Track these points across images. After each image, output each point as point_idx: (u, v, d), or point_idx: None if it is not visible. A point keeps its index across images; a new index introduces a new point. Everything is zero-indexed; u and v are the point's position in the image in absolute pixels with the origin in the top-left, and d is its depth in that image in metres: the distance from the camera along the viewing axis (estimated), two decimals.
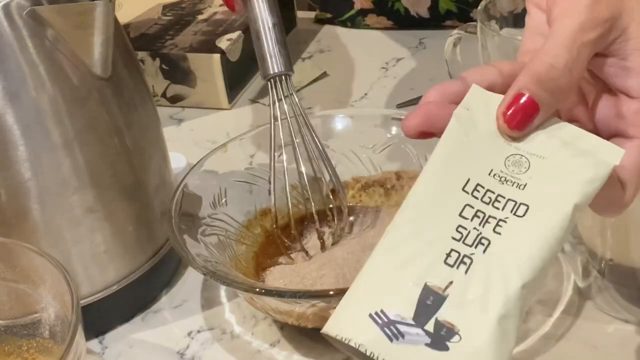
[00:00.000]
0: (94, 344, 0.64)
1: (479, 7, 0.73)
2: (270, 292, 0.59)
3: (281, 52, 0.66)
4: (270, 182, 0.66)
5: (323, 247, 0.66)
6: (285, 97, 0.66)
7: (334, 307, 0.57)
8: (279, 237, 0.67)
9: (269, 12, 0.66)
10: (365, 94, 0.92)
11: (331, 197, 0.68)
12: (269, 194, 0.66)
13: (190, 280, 0.69)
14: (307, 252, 0.66)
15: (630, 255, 0.59)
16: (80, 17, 0.58)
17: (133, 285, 0.65)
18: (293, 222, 0.67)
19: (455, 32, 0.77)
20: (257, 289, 0.59)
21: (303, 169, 0.67)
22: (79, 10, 0.58)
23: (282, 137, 0.66)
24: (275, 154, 0.66)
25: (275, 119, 0.66)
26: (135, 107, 0.65)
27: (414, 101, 0.88)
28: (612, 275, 0.60)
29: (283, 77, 0.66)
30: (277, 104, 0.66)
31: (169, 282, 0.69)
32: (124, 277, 0.65)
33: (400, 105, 0.88)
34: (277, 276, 0.64)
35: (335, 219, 0.67)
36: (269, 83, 0.67)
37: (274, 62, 0.66)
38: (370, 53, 1.00)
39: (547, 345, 0.60)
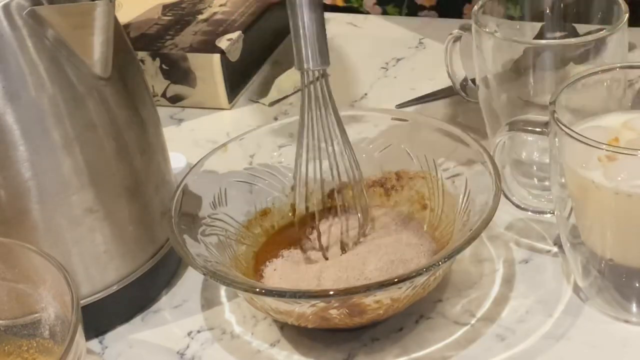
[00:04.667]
0: (94, 344, 0.64)
1: (475, 8, 0.73)
2: (270, 292, 0.59)
3: (317, 46, 0.64)
4: (295, 179, 0.65)
5: (343, 249, 0.66)
6: (316, 90, 0.65)
7: (334, 307, 0.58)
8: (302, 232, 0.67)
9: (308, 4, 0.64)
10: (365, 94, 0.92)
11: (354, 196, 0.68)
12: (292, 189, 0.66)
13: (190, 280, 0.69)
14: (326, 257, 0.65)
15: (630, 255, 0.59)
16: (80, 17, 0.58)
17: (133, 285, 0.65)
18: (317, 221, 0.67)
19: (455, 32, 0.77)
20: (257, 289, 0.59)
21: (330, 166, 0.66)
22: (79, 11, 0.58)
23: (311, 130, 0.65)
24: (302, 149, 0.65)
25: (305, 111, 0.65)
26: (135, 107, 0.65)
27: (414, 101, 0.88)
28: (612, 275, 0.60)
29: (317, 71, 0.65)
30: (308, 97, 0.65)
31: (169, 282, 0.69)
32: (124, 277, 0.65)
33: (400, 106, 0.88)
34: (278, 270, 0.65)
35: (360, 219, 0.67)
36: (301, 76, 0.65)
37: (309, 56, 0.64)
38: (370, 53, 1.00)
39: (547, 345, 0.60)
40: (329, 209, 0.68)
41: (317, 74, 0.64)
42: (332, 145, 0.65)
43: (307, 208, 0.67)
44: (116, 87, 0.62)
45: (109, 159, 0.62)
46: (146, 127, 0.66)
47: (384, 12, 1.08)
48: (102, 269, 0.64)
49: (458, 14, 1.05)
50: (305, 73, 0.64)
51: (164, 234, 0.67)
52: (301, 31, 0.63)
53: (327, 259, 0.65)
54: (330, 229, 0.67)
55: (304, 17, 0.63)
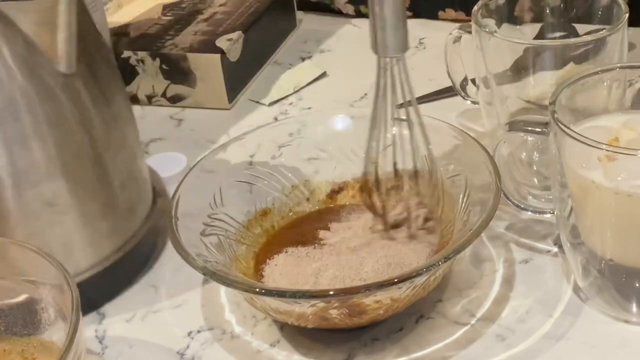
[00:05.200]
0: (94, 343, 0.64)
1: (475, 8, 0.73)
2: (270, 293, 0.59)
3: (398, 32, 0.62)
4: (367, 163, 0.65)
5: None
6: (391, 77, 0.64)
7: (334, 307, 0.58)
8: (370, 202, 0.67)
9: None
10: (365, 94, 0.91)
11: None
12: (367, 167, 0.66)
13: (190, 281, 0.69)
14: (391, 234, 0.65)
15: (630, 255, 0.59)
16: (43, 13, 0.58)
17: (95, 279, 0.65)
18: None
19: (455, 32, 0.77)
20: (257, 289, 0.59)
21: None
22: (42, 7, 0.58)
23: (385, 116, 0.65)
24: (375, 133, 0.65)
25: (380, 96, 0.65)
26: (104, 103, 0.65)
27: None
28: (612, 275, 0.60)
29: (392, 59, 0.64)
30: (385, 82, 0.65)
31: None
32: (83, 271, 0.65)
33: (400, 106, 0.88)
34: (279, 265, 0.65)
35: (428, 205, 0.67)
36: (378, 60, 0.65)
37: (388, 43, 0.63)
38: (370, 53, 0.99)
39: (547, 345, 0.60)
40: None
41: (395, 60, 0.63)
42: (406, 130, 0.65)
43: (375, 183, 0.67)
44: (83, 82, 0.62)
45: (71, 154, 0.63)
46: (114, 123, 0.66)
47: (357, 11, 1.07)
48: (61, 262, 0.63)
49: (433, 17, 1.05)
50: (383, 59, 0.64)
51: (129, 229, 0.67)
52: (382, 16, 0.62)
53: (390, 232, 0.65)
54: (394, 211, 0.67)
55: (387, 2, 0.61)
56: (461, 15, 1.01)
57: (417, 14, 1.05)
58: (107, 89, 0.65)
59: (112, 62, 0.68)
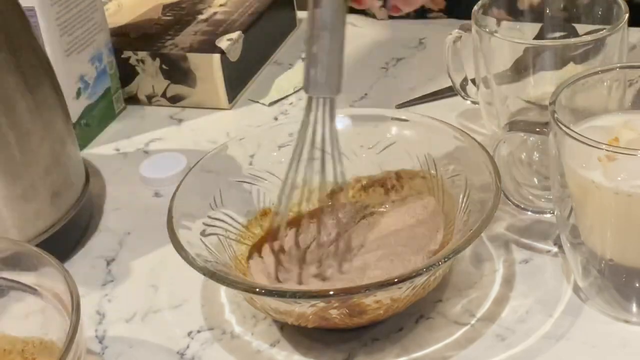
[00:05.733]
0: (94, 344, 0.64)
1: (475, 8, 0.73)
2: (270, 293, 0.59)
3: (332, 73, 0.61)
4: (282, 194, 0.65)
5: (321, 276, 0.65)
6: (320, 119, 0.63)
7: (334, 307, 0.58)
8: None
9: (329, 21, 0.60)
10: (365, 94, 0.92)
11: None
12: (279, 201, 0.66)
13: (190, 280, 0.69)
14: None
15: (630, 255, 0.59)
16: None
17: None
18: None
19: (455, 32, 0.77)
20: (257, 289, 0.59)
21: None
22: None
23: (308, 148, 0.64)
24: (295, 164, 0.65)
25: (306, 131, 0.64)
26: (26, 89, 0.66)
27: (414, 101, 0.88)
28: (612, 275, 0.60)
29: (323, 99, 0.62)
30: (310, 126, 0.64)
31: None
32: None
33: (400, 106, 0.88)
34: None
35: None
36: (308, 100, 0.63)
37: (318, 82, 0.62)
38: (370, 53, 0.99)
39: (547, 345, 0.60)
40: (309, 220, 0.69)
41: (324, 100, 0.63)
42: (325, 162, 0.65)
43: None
44: (6, 69, 0.64)
45: None
46: (40, 110, 0.67)
47: (390, 15, 1.07)
48: None
49: (468, 17, 1.04)
50: (313, 97, 0.63)
51: (56, 212, 0.69)
52: (316, 54, 0.61)
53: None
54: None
55: (324, 40, 0.61)
56: (502, 14, 1.00)
57: (452, 14, 1.04)
58: (32, 76, 0.67)
59: (39, 50, 0.69)
